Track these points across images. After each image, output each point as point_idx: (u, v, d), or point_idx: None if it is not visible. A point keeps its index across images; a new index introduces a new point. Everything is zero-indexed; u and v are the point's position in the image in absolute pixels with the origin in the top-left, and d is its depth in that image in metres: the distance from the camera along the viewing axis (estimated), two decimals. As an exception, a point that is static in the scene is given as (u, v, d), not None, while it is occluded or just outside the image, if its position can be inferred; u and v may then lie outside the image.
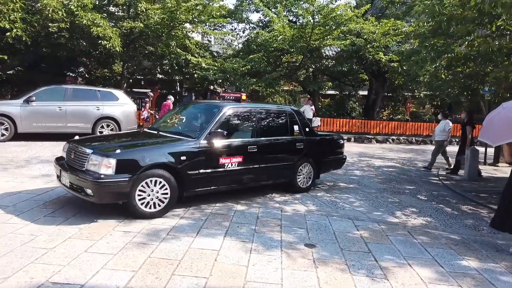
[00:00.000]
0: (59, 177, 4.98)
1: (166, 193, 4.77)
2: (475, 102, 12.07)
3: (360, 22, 16.24)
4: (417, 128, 18.63)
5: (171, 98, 12.60)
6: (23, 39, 11.10)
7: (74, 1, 11.38)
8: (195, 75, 16.26)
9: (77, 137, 5.65)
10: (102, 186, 4.36)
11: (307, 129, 6.63)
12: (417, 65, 8.99)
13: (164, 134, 5.59)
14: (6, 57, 12.03)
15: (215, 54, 19.15)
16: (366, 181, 8.19)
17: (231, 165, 5.43)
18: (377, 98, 19.78)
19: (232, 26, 21.53)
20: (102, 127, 11.16)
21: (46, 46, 13.18)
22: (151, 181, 4.65)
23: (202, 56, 16.43)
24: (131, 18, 14.31)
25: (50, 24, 11.60)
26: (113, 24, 13.53)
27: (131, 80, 17.81)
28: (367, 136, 17.61)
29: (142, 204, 4.62)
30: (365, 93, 21.59)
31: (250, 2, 18.96)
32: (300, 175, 6.48)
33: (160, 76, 19.18)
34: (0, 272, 3.13)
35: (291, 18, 19.06)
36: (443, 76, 9.83)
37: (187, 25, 15.61)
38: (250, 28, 20.87)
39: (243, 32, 21.55)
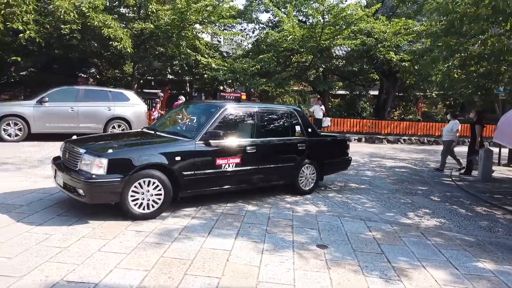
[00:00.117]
0: (55, 177, 4.97)
1: (160, 194, 4.68)
2: (489, 102, 11.90)
3: (371, 22, 16.13)
4: (429, 128, 18.43)
5: (182, 99, 12.68)
6: (37, 40, 11.25)
7: (86, 3, 11.50)
8: (205, 75, 16.33)
9: (74, 137, 5.60)
10: (94, 186, 4.31)
11: (309, 130, 6.45)
12: (429, 65, 8.88)
13: (161, 134, 5.52)
14: (19, 59, 12.23)
15: (225, 54, 19.21)
16: (378, 182, 8.12)
17: (229, 166, 5.29)
18: (388, 98, 19.61)
19: (242, 27, 21.56)
20: (114, 127, 11.26)
21: (58, 48, 13.36)
22: (144, 181, 4.56)
23: (211, 57, 16.49)
24: (141, 19, 14.43)
25: (62, 25, 11.76)
26: (123, 25, 13.66)
27: (141, 81, 17.96)
28: (378, 136, 17.48)
29: (135, 205, 4.54)
30: (376, 93, 21.42)
31: (260, 2, 18.94)
32: (302, 177, 6.31)
33: (170, 77, 19.31)
34: (16, 271, 3.17)
35: (301, 18, 19.01)
36: (455, 75, 9.70)
37: (197, 25, 15.68)
38: (260, 28, 20.87)
39: (253, 32, 21.57)
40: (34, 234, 3.98)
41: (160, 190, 4.67)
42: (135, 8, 15.15)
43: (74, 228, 4.22)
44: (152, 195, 4.63)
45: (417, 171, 9.94)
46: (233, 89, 19.57)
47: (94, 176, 4.32)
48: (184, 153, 4.88)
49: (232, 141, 5.42)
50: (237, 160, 5.38)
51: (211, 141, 5.10)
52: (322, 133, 7.43)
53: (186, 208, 5.18)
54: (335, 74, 19.97)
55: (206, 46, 16.75)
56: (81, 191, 4.35)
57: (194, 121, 5.80)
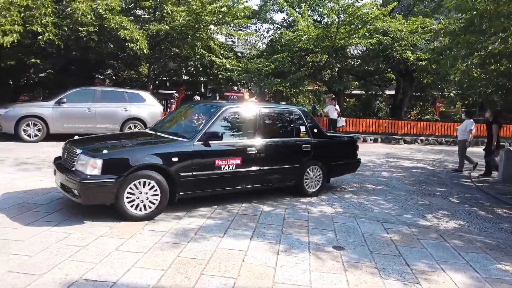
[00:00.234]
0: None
1: (157, 195, 4.61)
2: (510, 101, 11.60)
3: (387, 20, 15.92)
4: (447, 128, 18.07)
5: (197, 99, 12.75)
6: (55, 43, 11.47)
7: (102, 5, 11.68)
8: (220, 76, 16.39)
9: (76, 137, 5.59)
10: (88, 187, 4.28)
11: (315, 130, 6.28)
12: (451, 63, 8.67)
13: (161, 134, 5.47)
14: (38, 61, 12.49)
15: (239, 54, 19.25)
16: (395, 183, 8.01)
17: (228, 167, 5.17)
18: (405, 98, 19.33)
19: (256, 27, 21.57)
20: (130, 127, 11.40)
21: (76, 50, 13.59)
22: (140, 182, 4.50)
23: (226, 57, 16.54)
24: (157, 20, 14.57)
25: (79, 28, 11.96)
26: (139, 26, 13.81)
27: (157, 82, 18.13)
28: (395, 136, 17.24)
29: (131, 206, 4.48)
30: (392, 92, 21.13)
31: (274, 2, 18.91)
32: (307, 179, 6.15)
33: (185, 78, 19.44)
34: (36, 269, 3.23)
35: (315, 18, 18.90)
36: (475, 74, 9.49)
37: (212, 26, 15.76)
38: (274, 28, 20.84)
39: (267, 33, 21.56)
40: (53, 232, 4.05)
41: (156, 191, 4.60)
42: (150, 10, 15.31)
43: (92, 227, 4.28)
44: (148, 196, 4.57)
45: (435, 172, 9.76)
46: (247, 89, 19.59)
47: (88, 176, 4.30)
48: (181, 154, 4.80)
49: (232, 141, 5.35)
50: (238, 161, 5.26)
51: (210, 142, 5.01)
52: (329, 134, 7.20)
53: (201, 208, 5.20)
54: (351, 74, 19.77)
55: (221, 47, 16.81)
56: (76, 192, 4.34)
57: (194, 122, 5.72)
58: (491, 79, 9.23)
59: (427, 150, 15.26)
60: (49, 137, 10.61)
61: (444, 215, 5.80)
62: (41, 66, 13.79)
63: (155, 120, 11.70)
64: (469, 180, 8.86)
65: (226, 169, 5.17)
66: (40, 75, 15.30)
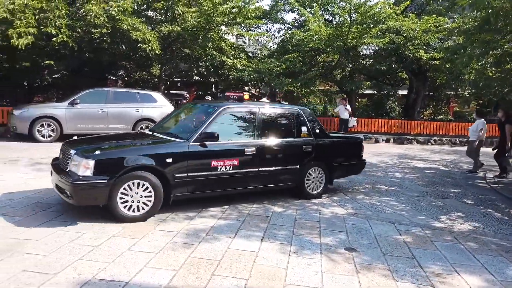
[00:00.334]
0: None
1: (151, 196, 4.57)
2: (526, 101, 11.37)
3: (400, 19, 15.73)
4: (461, 128, 17.79)
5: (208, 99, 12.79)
6: (69, 44, 11.63)
7: (115, 7, 11.80)
8: (231, 76, 16.41)
9: (75, 137, 5.55)
10: (80, 188, 4.27)
11: (317, 131, 6.16)
12: (467, 62, 8.51)
13: (157, 135, 5.44)
14: (52, 63, 12.67)
15: (250, 55, 19.24)
16: (407, 184, 7.91)
17: (225, 168, 5.08)
18: (418, 98, 19.07)
19: (267, 27, 21.50)
20: (142, 128, 11.48)
21: (89, 51, 13.76)
22: (133, 183, 4.46)
23: (237, 58, 16.55)
24: (168, 21, 14.65)
25: (92, 29, 12.10)
26: (151, 28, 13.91)
27: (168, 82, 18.27)
28: (407, 137, 17.04)
29: (125, 207, 4.45)
30: (405, 92, 20.86)
31: (286, 2, 18.83)
32: (308, 180, 6.01)
33: (196, 78, 19.54)
34: (51, 268, 3.27)
35: (327, 17, 18.78)
36: (490, 73, 9.33)
37: (223, 27, 15.79)
38: (285, 28, 20.75)
39: (278, 33, 21.47)
40: (67, 232, 4.10)
41: (150, 192, 4.56)
42: (162, 11, 15.40)
43: (104, 227, 4.32)
44: (142, 197, 4.53)
45: (448, 173, 9.61)
46: (258, 90, 19.59)
47: (80, 177, 4.28)
48: (176, 155, 4.74)
49: (229, 142, 5.29)
50: (235, 162, 5.16)
51: (207, 142, 4.95)
52: (332, 134, 7.07)
53: (212, 208, 5.21)
54: (362, 74, 19.60)
55: (232, 47, 16.82)
56: (68, 193, 4.35)
57: (192, 122, 5.67)
58: (507, 78, 9.07)
59: (441, 150, 15.05)
60: (63, 137, 10.68)
61: (458, 216, 5.71)
62: (55, 68, 13.99)
63: (167, 121, 11.81)
64: (484, 181, 8.70)
65: (222, 170, 5.09)
66: (54, 76, 15.51)
